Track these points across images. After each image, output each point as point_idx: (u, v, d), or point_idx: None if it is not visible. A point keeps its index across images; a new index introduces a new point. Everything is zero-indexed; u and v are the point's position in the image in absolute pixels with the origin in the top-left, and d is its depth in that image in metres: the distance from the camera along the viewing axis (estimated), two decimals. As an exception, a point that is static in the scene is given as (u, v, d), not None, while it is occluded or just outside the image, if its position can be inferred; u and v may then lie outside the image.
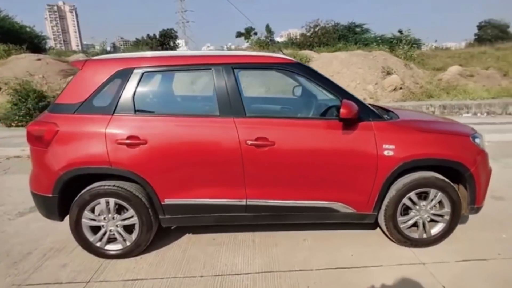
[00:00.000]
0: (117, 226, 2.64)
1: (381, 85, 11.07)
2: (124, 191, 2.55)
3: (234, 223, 2.78)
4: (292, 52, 13.57)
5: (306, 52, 14.45)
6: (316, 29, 24.02)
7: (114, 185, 2.55)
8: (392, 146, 2.54)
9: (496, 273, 2.47)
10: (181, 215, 2.66)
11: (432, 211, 2.74)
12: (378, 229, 3.08)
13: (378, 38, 20.00)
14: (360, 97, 9.50)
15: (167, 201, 2.59)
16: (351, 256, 2.71)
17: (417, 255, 2.69)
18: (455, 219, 2.75)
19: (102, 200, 2.57)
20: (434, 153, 2.59)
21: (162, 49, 30.19)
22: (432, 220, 2.77)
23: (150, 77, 2.63)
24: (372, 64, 11.81)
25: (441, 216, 2.75)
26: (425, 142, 2.60)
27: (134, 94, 2.55)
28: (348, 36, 22.27)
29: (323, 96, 2.79)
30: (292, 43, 24.92)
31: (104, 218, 2.62)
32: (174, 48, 39.39)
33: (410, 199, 2.69)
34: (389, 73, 11.33)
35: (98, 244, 2.67)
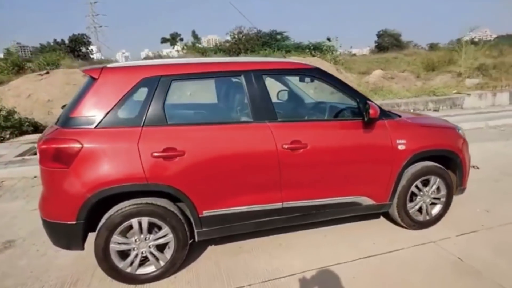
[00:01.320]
0: (149, 247, 2.44)
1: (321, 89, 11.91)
2: (158, 208, 2.38)
3: (269, 228, 2.80)
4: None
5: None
6: (241, 36, 24.82)
7: (147, 203, 2.36)
8: (403, 141, 2.87)
9: (489, 240, 2.96)
10: (219, 226, 2.58)
11: (432, 196, 3.15)
12: (381, 218, 3.40)
13: (297, 46, 21.58)
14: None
15: (206, 213, 2.50)
16: (373, 245, 2.95)
17: (425, 236, 3.07)
18: (450, 200, 3.21)
19: (135, 221, 2.35)
20: (436, 144, 3.00)
21: (74, 56, 27.57)
22: (432, 203, 3.19)
23: (179, 85, 2.51)
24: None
25: (439, 199, 3.18)
26: (428, 135, 3.00)
27: (164, 103, 2.40)
28: (270, 43, 23.52)
29: (335, 99, 3.00)
30: (218, 49, 25.20)
31: (135, 240, 2.40)
32: (87, 54, 36.19)
33: (416, 186, 3.05)
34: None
35: (128, 270, 2.43)
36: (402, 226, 3.17)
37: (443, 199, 3.19)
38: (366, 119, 2.67)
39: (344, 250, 2.86)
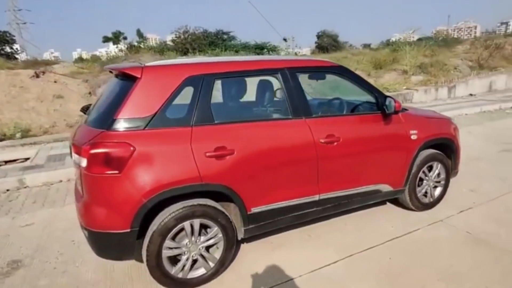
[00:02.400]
0: (199, 249, 2.39)
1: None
2: (209, 208, 2.34)
3: (305, 220, 2.89)
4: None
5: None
6: (186, 35, 24.45)
7: (199, 204, 2.31)
8: (415, 131, 3.17)
9: (484, 214, 3.39)
10: (263, 222, 2.61)
11: (435, 180, 3.51)
12: (387, 203, 3.70)
13: (244, 45, 21.99)
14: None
15: (254, 210, 2.51)
16: (392, 228, 3.21)
17: (432, 216, 3.41)
18: (448, 182, 3.61)
19: (187, 223, 2.29)
20: (439, 133, 3.36)
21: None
22: (434, 187, 3.55)
23: (222, 83, 2.49)
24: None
25: (439, 182, 3.56)
26: (433, 125, 3.34)
27: (209, 102, 2.37)
28: (217, 43, 23.60)
29: (355, 95, 3.20)
30: (163, 48, 24.54)
31: (187, 244, 2.34)
32: (11, 54, 32.62)
33: (423, 172, 3.38)
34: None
35: (180, 275, 2.35)
36: (410, 209, 3.48)
37: (442, 182, 3.57)
38: (389, 112, 2.90)
39: (368, 236, 3.07)
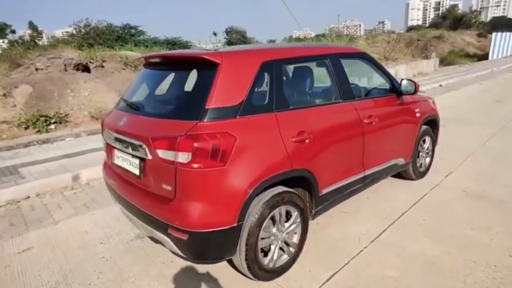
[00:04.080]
0: (283, 236, 2.38)
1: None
2: (292, 194, 2.35)
3: (351, 196, 3.08)
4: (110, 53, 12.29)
5: (127, 53, 13.43)
6: (88, 29, 22.34)
7: (284, 191, 2.29)
8: (418, 109, 3.64)
9: (464, 176, 4.10)
10: (327, 202, 2.71)
11: (426, 151, 4.09)
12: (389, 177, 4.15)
13: (154, 41, 21.30)
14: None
15: (323, 191, 2.60)
16: (406, 195, 3.65)
17: (428, 182, 3.96)
18: (433, 154, 4.23)
19: (277, 211, 2.25)
20: (430, 111, 3.91)
21: None
22: (425, 158, 4.12)
23: (288, 69, 2.47)
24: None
25: (428, 153, 4.15)
26: (426, 105, 3.87)
27: (282, 87, 2.35)
28: (125, 38, 22.21)
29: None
30: (66, 42, 21.99)
31: (274, 232, 2.30)
32: None
33: (420, 145, 3.91)
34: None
35: (271, 265, 2.31)
36: (409, 179, 3.97)
37: (430, 153, 4.17)
38: (411, 92, 3.28)
39: (394, 205, 3.43)
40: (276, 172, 2.16)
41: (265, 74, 2.28)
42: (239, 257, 2.14)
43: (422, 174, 4.04)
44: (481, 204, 3.37)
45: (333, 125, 2.62)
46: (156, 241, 2.88)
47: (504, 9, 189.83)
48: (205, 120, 1.95)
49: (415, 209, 3.33)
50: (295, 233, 2.47)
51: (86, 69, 10.27)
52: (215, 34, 18.95)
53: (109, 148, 2.61)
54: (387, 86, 3.40)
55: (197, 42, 21.66)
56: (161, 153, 1.96)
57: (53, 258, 2.77)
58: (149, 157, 2.04)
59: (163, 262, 2.65)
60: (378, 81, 3.29)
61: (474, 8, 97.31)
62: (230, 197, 1.98)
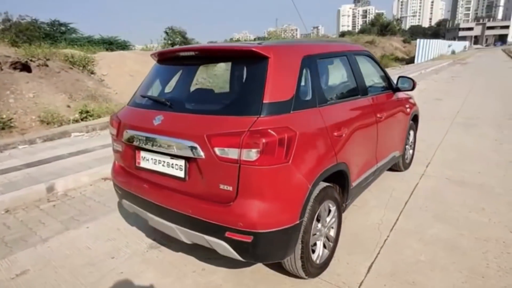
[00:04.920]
0: (325, 231, 2.39)
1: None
2: (333, 188, 2.36)
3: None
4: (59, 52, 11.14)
5: (72, 51, 12.28)
6: (8, 25, 20.14)
7: (327, 186, 2.29)
8: (408, 105, 3.93)
9: (443, 163, 4.51)
10: (353, 196, 2.77)
11: (410, 144, 4.41)
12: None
13: (88, 39, 20.15)
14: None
15: (353, 184, 2.65)
16: (401, 185, 3.90)
17: (414, 172, 4.29)
18: (415, 146, 4.59)
19: (322, 206, 2.24)
20: (415, 106, 4.23)
21: None
22: (409, 150, 4.46)
23: (322, 64, 2.48)
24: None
25: (411, 145, 4.49)
26: (412, 102, 4.17)
27: (320, 82, 2.36)
28: (55, 35, 20.54)
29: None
30: None
31: (319, 228, 2.30)
32: None
33: (407, 138, 4.21)
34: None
35: (318, 262, 2.30)
36: (397, 171, 4.26)
37: (413, 146, 4.52)
38: (408, 89, 3.51)
39: (395, 194, 3.64)
40: (327, 166, 2.16)
41: (306, 69, 2.26)
42: (294, 255, 2.09)
43: (408, 165, 4.35)
44: (466, 189, 3.74)
45: (358, 119, 2.70)
46: (178, 248, 2.69)
47: (419, 19, 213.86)
48: (264, 116, 1.87)
49: (415, 197, 3.57)
50: (332, 227, 2.49)
51: (25, 68, 9.14)
52: (166, 33, 18.09)
53: (129, 151, 2.36)
54: (385, 82, 3.61)
55: (133, 42, 20.76)
56: (220, 151, 1.83)
57: (61, 280, 2.41)
58: (202, 156, 1.89)
59: (193, 271, 2.47)
60: (375, 77, 3.47)
61: (395, 17, 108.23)
62: (295, 194, 1.93)
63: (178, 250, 2.72)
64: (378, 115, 3.03)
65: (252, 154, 1.77)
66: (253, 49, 2.01)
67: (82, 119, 7.86)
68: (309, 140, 2.05)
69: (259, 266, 2.49)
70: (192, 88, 2.42)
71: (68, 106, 8.31)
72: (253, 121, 1.83)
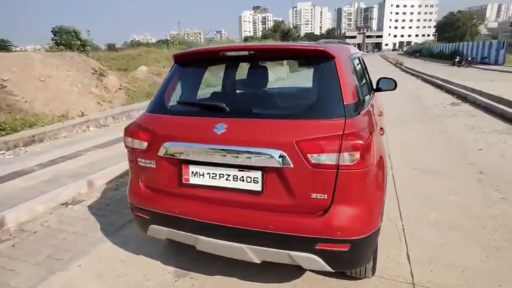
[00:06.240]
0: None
1: (103, 86, 10.59)
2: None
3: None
4: None
5: None
6: None
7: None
8: (380, 105, 4.29)
9: (403, 158, 5.06)
10: None
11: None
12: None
13: None
14: (91, 101, 9.51)
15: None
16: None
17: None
18: (378, 140, 5.03)
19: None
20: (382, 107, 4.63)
21: None
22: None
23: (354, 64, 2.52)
24: (78, 67, 10.69)
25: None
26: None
27: (359, 82, 2.40)
28: None
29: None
30: None
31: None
32: None
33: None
34: (102, 75, 10.94)
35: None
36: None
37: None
38: (391, 89, 3.81)
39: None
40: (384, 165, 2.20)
41: (353, 69, 2.27)
42: (367, 257, 2.07)
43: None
44: (436, 176, 4.26)
45: (377, 116, 2.83)
46: (212, 270, 2.40)
47: (311, 26, 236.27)
48: (348, 118, 1.80)
49: (400, 188, 3.91)
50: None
51: None
52: (54, 33, 15.87)
53: (170, 167, 1.99)
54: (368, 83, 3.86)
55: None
56: (315, 157, 1.69)
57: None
58: (290, 165, 1.72)
59: (244, 294, 2.24)
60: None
61: (291, 24, 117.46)
62: (380, 196, 1.92)
63: (212, 273, 2.42)
64: (379, 111, 3.24)
65: (351, 158, 1.69)
66: (321, 49, 1.93)
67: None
68: (376, 141, 2.06)
69: (309, 274, 2.38)
70: (250, 91, 2.18)
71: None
72: (343, 124, 1.75)
